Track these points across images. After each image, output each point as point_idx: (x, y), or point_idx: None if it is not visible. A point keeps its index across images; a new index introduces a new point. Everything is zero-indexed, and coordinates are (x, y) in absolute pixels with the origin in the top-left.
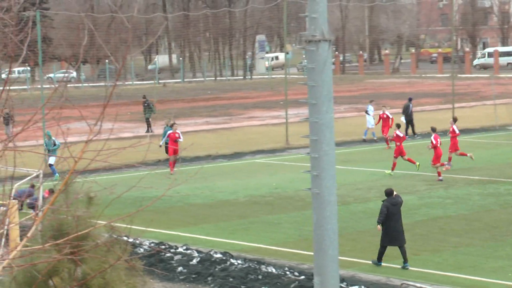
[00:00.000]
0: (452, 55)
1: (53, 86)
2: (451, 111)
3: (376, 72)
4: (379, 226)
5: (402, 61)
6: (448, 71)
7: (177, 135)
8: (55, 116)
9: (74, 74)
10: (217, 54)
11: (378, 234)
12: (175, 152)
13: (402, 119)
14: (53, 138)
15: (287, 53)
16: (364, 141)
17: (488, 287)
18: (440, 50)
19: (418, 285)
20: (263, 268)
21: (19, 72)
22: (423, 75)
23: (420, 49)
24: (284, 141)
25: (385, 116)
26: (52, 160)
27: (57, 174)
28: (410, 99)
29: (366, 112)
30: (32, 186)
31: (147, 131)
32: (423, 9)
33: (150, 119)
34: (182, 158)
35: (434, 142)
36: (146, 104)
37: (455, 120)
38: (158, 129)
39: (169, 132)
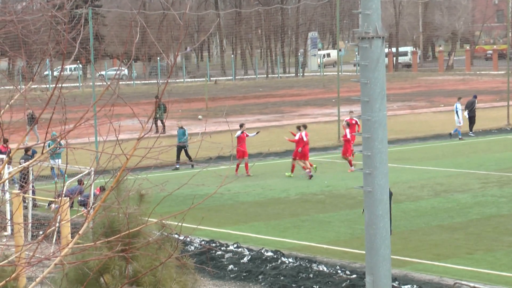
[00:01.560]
0: (507, 52)
1: (104, 83)
2: (506, 109)
3: (429, 69)
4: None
5: (456, 58)
6: (503, 68)
7: (246, 136)
8: (106, 114)
9: (126, 71)
10: (269, 51)
11: (432, 233)
12: (244, 154)
13: (466, 114)
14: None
15: (340, 50)
16: (460, 139)
17: None
18: (495, 47)
19: (472, 284)
20: (314, 266)
21: (71, 70)
22: (478, 72)
23: (475, 46)
24: (336, 138)
25: (353, 122)
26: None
27: (63, 177)
28: (475, 96)
29: (456, 111)
30: (82, 183)
31: (157, 132)
32: (478, 5)
33: (163, 120)
34: (233, 156)
35: (305, 139)
36: (158, 105)
37: (348, 124)
38: (209, 126)
39: (239, 133)
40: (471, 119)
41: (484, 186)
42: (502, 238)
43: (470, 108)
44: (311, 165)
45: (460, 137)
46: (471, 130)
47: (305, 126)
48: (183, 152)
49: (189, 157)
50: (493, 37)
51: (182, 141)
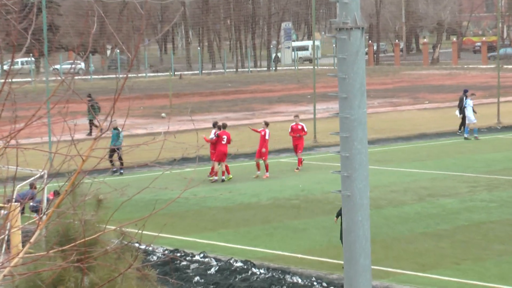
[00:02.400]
0: (497, 44)
1: (59, 78)
2: (496, 106)
3: (413, 63)
4: (336, 219)
5: (442, 50)
6: (493, 61)
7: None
8: (61, 111)
9: (82, 65)
10: (239, 43)
11: (415, 241)
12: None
13: (457, 113)
14: None
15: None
16: (466, 139)
17: None
18: (484, 38)
19: None
20: (288, 278)
21: (22, 63)
22: (466, 66)
23: (462, 38)
24: (312, 138)
25: (299, 127)
26: None
27: None
28: (465, 91)
29: (465, 107)
30: (34, 187)
31: (89, 134)
32: None
33: (93, 121)
34: (199, 157)
35: (211, 137)
36: (90, 105)
37: (267, 124)
38: (173, 125)
39: (217, 132)
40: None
41: (472, 190)
42: (492, 246)
43: (461, 105)
44: (223, 173)
45: (476, 135)
46: (460, 129)
47: (224, 126)
48: (116, 155)
49: (122, 162)
50: (482, 28)
51: (116, 144)
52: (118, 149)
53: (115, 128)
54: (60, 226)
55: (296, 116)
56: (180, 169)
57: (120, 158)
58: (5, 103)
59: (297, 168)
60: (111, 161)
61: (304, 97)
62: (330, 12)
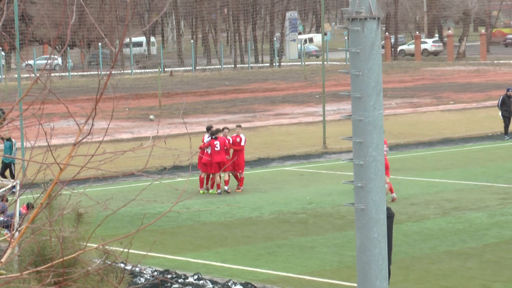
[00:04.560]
0: None
1: (33, 75)
2: None
3: (436, 58)
4: None
5: (469, 44)
6: None
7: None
8: (35, 113)
9: (59, 60)
10: (238, 36)
11: (439, 261)
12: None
13: (500, 114)
14: None
15: (325, 34)
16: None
17: None
18: None
19: None
20: None
21: None
22: (496, 62)
23: (491, 29)
24: (321, 144)
25: (238, 139)
26: None
27: None
28: (508, 90)
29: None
30: (5, 199)
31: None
32: None
33: None
34: (192, 165)
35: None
36: None
37: (211, 130)
38: (163, 128)
39: (209, 139)
40: (505, 119)
41: (503, 202)
42: None
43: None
44: (207, 186)
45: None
46: (505, 132)
47: (215, 132)
48: (8, 171)
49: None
50: None
51: (9, 156)
52: (12, 163)
53: (8, 139)
54: (35, 244)
55: (238, 126)
56: (171, 179)
57: (12, 173)
58: None
59: (239, 188)
60: (3, 178)
61: (312, 96)
62: (342, 0)
